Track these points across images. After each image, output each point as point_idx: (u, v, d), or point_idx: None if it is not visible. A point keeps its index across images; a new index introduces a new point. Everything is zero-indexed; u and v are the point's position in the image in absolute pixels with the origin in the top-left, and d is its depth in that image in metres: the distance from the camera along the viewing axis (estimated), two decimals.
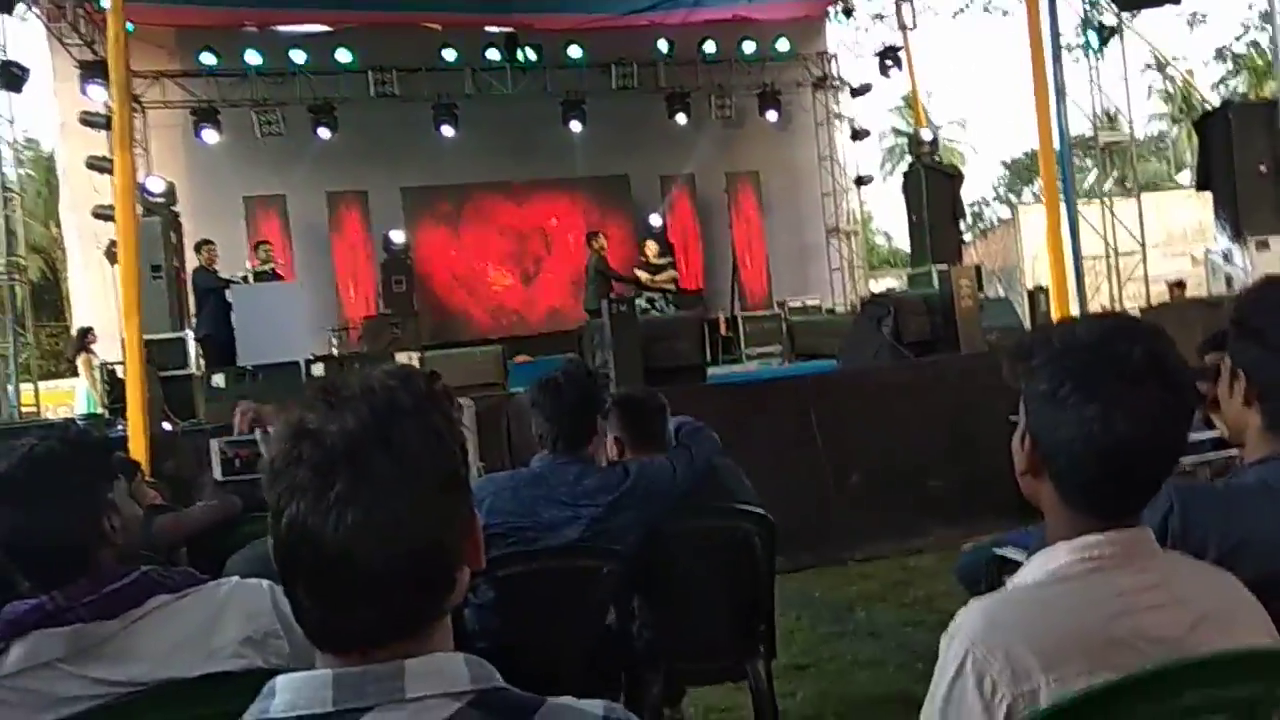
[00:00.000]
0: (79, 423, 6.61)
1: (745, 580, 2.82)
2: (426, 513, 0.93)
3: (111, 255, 9.97)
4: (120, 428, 6.92)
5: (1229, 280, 8.25)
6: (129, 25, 7.94)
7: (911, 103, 16.73)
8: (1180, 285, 11.82)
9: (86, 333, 10.82)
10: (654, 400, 3.08)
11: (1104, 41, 10.83)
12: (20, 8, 9.69)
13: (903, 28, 13.94)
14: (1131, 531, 1.22)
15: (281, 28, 13.35)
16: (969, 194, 34.61)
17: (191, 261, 9.66)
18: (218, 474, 1.82)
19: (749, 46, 14.42)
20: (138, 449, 6.30)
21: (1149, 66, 28.16)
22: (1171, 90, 30.03)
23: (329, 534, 0.89)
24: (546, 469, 2.69)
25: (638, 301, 11.04)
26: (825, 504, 6.00)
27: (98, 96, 11.15)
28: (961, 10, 15.68)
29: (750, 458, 5.63)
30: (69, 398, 14.52)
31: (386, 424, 0.93)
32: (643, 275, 11.37)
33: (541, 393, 2.72)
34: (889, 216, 38.51)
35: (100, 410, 9.01)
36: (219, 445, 1.83)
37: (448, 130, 13.42)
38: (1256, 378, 1.58)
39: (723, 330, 13.27)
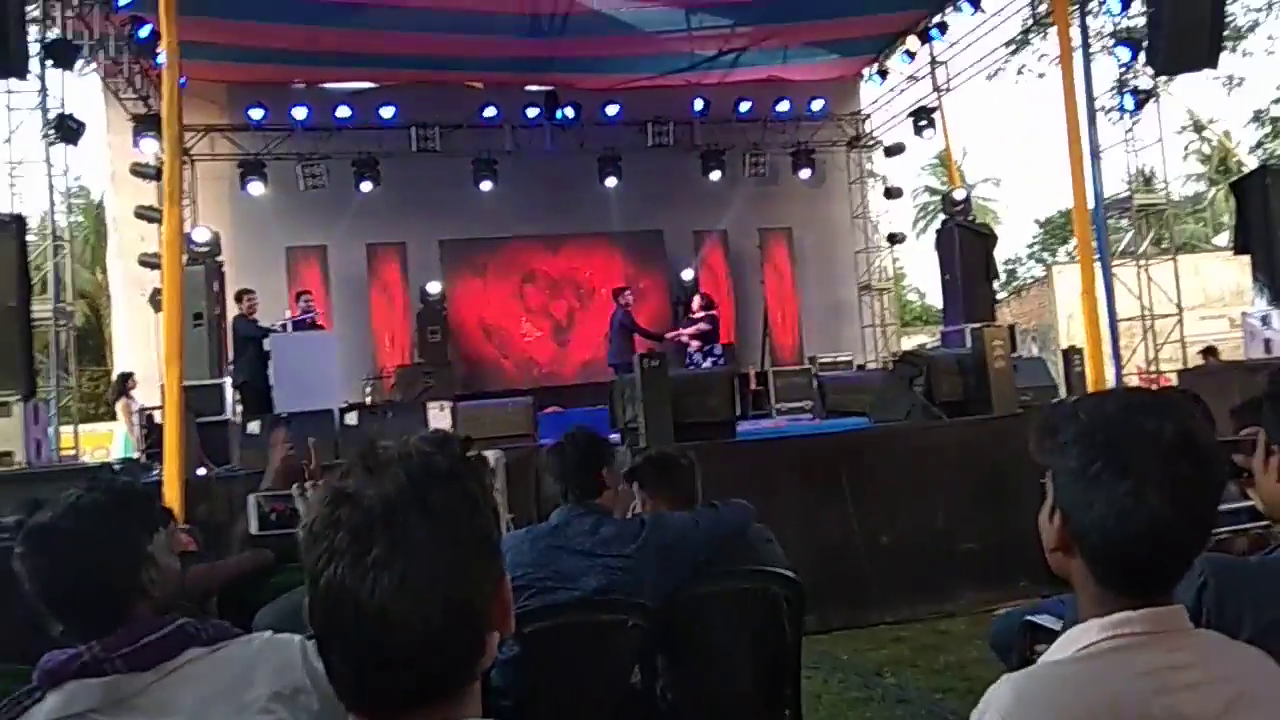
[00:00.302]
0: (119, 470, 6.71)
1: (772, 643, 2.80)
2: (461, 576, 0.95)
3: (156, 303, 10.20)
4: (156, 472, 7.02)
5: (1267, 344, 8.12)
6: (182, 80, 8.22)
7: (945, 162, 16.81)
8: (1212, 352, 11.57)
9: (127, 378, 11.01)
10: (684, 458, 3.12)
11: (1139, 105, 10.85)
12: (79, 63, 10.02)
13: (937, 89, 14.05)
14: (1166, 609, 1.20)
15: (329, 85, 13.73)
16: (1003, 252, 34.52)
17: (232, 309, 9.85)
18: (253, 528, 1.85)
19: (783, 106, 14.60)
20: (172, 494, 6.38)
21: (1185, 128, 28.16)
22: (1208, 151, 29.93)
23: (366, 596, 0.92)
24: (563, 519, 2.82)
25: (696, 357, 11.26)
26: (855, 564, 5.94)
27: (149, 149, 11.49)
28: (996, 74, 15.75)
29: (780, 516, 5.62)
30: (107, 440, 14.74)
31: (423, 488, 0.96)
32: (681, 333, 11.54)
33: (549, 456, 2.99)
34: (922, 274, 38.48)
35: (137, 454, 9.14)
36: (255, 499, 1.86)
37: (486, 185, 13.67)
38: None
39: (753, 385, 13.25)
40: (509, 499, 6.01)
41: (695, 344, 11.63)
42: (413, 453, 0.99)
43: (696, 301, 12.16)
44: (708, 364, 11.45)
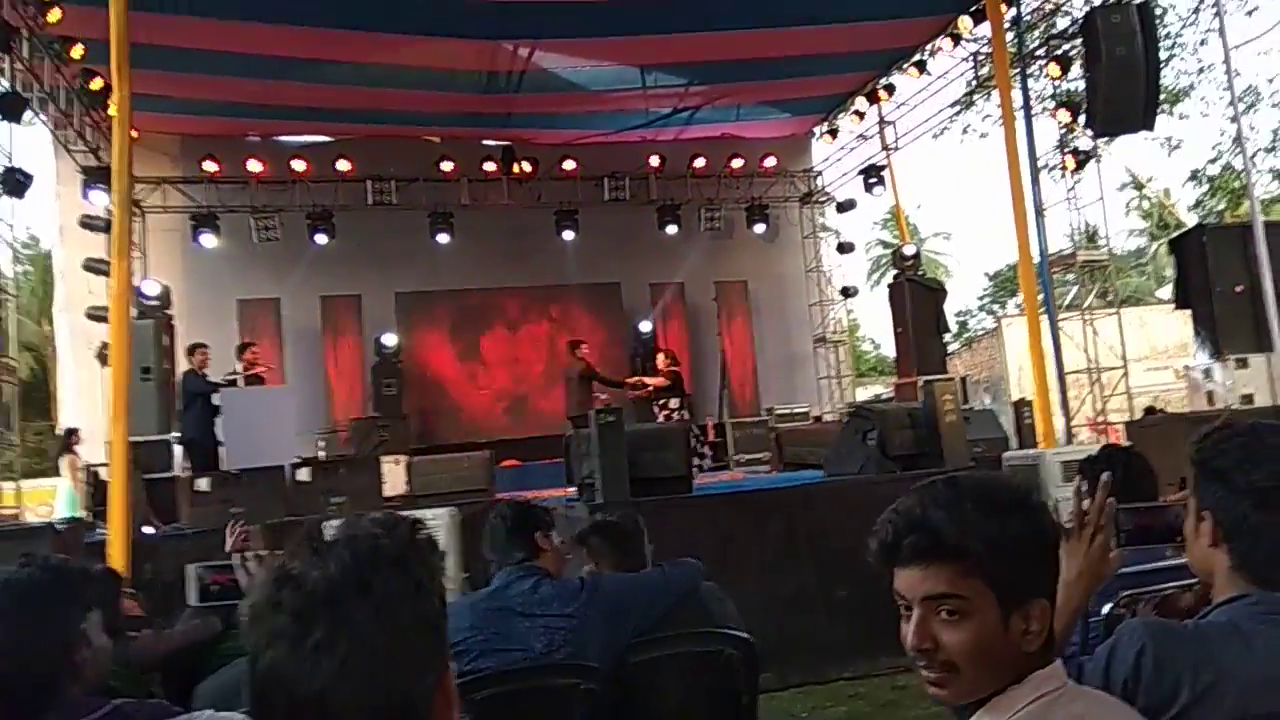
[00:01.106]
0: (61, 531, 6.52)
1: (726, 705, 2.78)
2: (402, 663, 0.94)
3: (103, 357, 10.02)
4: (100, 531, 6.84)
5: (1210, 396, 8.34)
6: (133, 133, 8.17)
7: (896, 217, 17.16)
8: (1151, 411, 11.81)
9: (72, 433, 10.78)
10: (631, 523, 3.12)
11: (1080, 165, 11.22)
12: (27, 115, 9.93)
13: (885, 148, 14.41)
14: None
15: (283, 137, 13.72)
16: (954, 305, 35.23)
17: (182, 363, 9.69)
18: (192, 599, 1.81)
19: (737, 162, 14.86)
20: (118, 553, 6.23)
21: (1126, 185, 29.09)
22: (1149, 207, 30.91)
23: (304, 680, 0.91)
24: (503, 581, 2.82)
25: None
26: (813, 619, 5.93)
27: (99, 201, 11.35)
28: (941, 133, 16.19)
29: (736, 570, 5.62)
30: (51, 496, 14.32)
31: (368, 572, 0.95)
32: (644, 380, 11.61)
33: (484, 529, 3.00)
34: (876, 325, 39.04)
35: (82, 513, 8.89)
36: (195, 571, 1.83)
37: (443, 238, 13.69)
38: (1223, 519, 1.61)
39: (710, 436, 13.29)
40: (463, 557, 5.93)
41: (660, 401, 11.71)
42: (360, 534, 0.99)
43: (661, 359, 12.24)
44: (662, 418, 11.52)
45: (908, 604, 1.30)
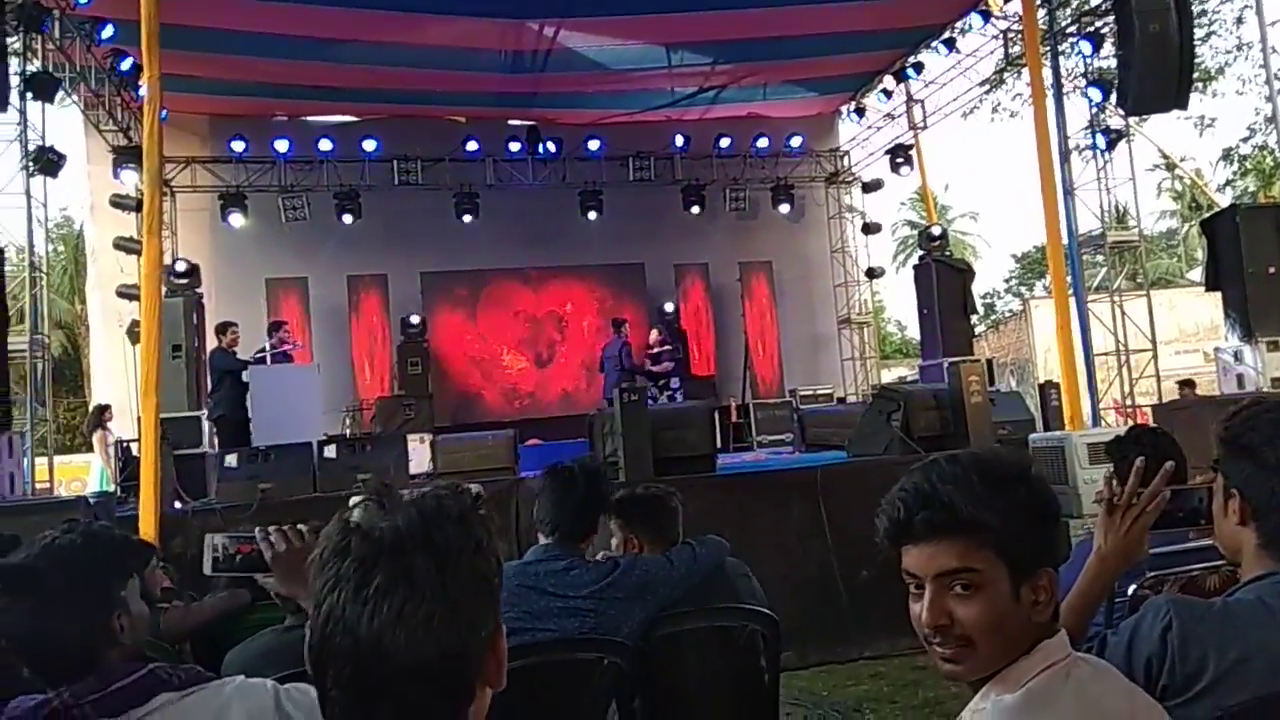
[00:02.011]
0: (95, 503, 6.64)
1: (749, 681, 2.80)
2: (458, 616, 0.98)
3: (133, 334, 10.15)
4: (131, 505, 6.96)
5: (1240, 379, 8.24)
6: (163, 113, 8.24)
7: (923, 197, 17.01)
8: (1189, 384, 11.80)
9: (104, 410, 10.93)
10: (671, 500, 3.09)
11: (1111, 145, 11.05)
12: (59, 95, 10.03)
13: (913, 127, 14.26)
14: None
15: (310, 117, 13.78)
16: (981, 286, 34.88)
17: (211, 341, 9.80)
18: (207, 569, 1.83)
19: (763, 142, 14.78)
20: (147, 528, 6.33)
21: (1157, 165, 28.65)
22: (1180, 189, 30.44)
23: (364, 624, 0.94)
24: (535, 557, 2.72)
25: (659, 399, 11.34)
26: (834, 599, 5.95)
27: (130, 180, 11.47)
28: (971, 112, 16.00)
29: (758, 550, 5.63)
30: (83, 473, 14.58)
31: (432, 526, 0.99)
32: (650, 367, 11.63)
33: (553, 479, 2.79)
34: (902, 306, 38.76)
35: (113, 488, 9.05)
36: (213, 539, 1.84)
37: (468, 218, 13.73)
38: (1251, 496, 1.61)
39: (734, 418, 13.30)
40: None
41: (661, 383, 11.73)
42: (426, 495, 1.03)
43: (654, 335, 12.20)
44: (665, 401, 11.52)
45: (919, 582, 1.30)
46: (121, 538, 1.75)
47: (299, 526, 1.89)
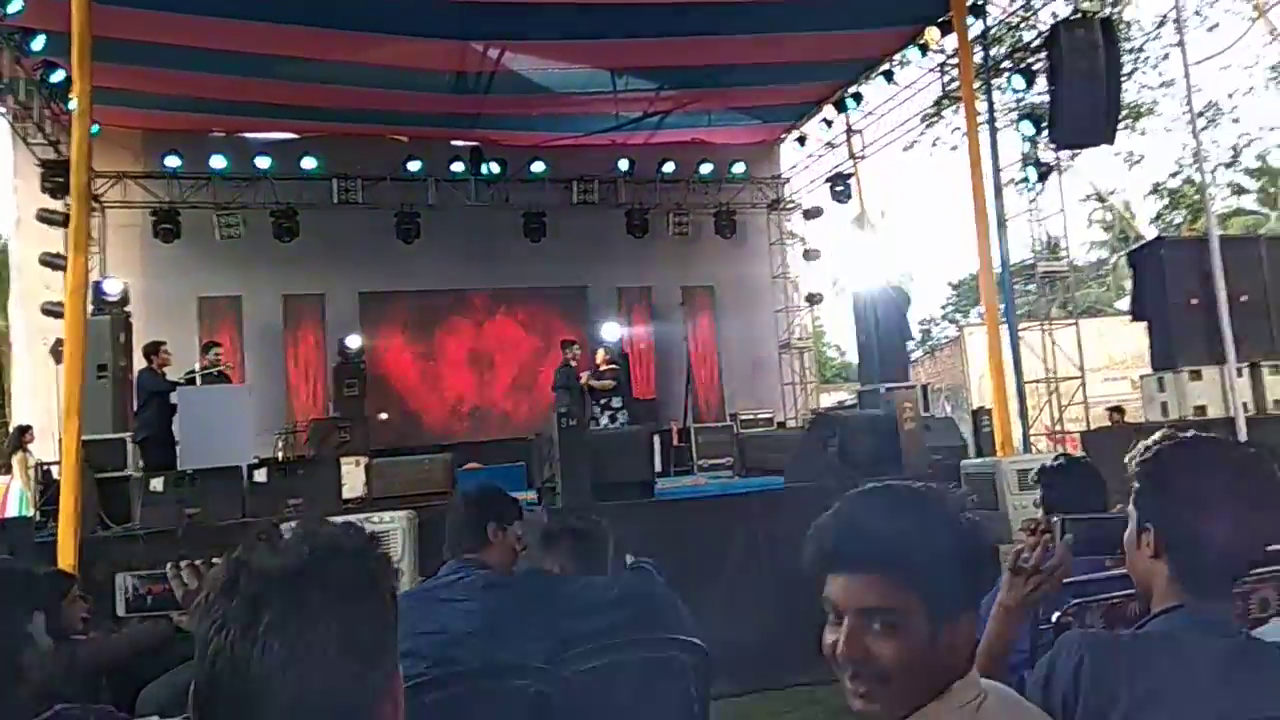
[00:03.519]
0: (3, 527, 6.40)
1: (679, 712, 2.78)
2: (352, 653, 0.94)
3: (58, 354, 9.83)
4: (51, 530, 6.72)
5: (1164, 407, 8.48)
6: (95, 127, 8.05)
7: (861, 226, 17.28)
8: (1119, 411, 12.15)
9: (24, 431, 10.57)
10: (597, 528, 3.11)
11: (1042, 178, 11.38)
12: None
13: (853, 156, 14.53)
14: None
15: (249, 134, 13.56)
16: (918, 313, 35.60)
17: (139, 361, 9.54)
18: (121, 609, 1.78)
19: (706, 168, 14.94)
20: (67, 554, 6.11)
21: (1088, 197, 29.55)
22: (1110, 220, 31.40)
23: (254, 663, 0.91)
24: (443, 573, 2.84)
25: (601, 419, 11.27)
26: (772, 625, 5.95)
27: (58, 195, 11.15)
28: (911, 146, 16.36)
29: (696, 575, 5.63)
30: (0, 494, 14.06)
31: (325, 561, 0.96)
32: (592, 382, 11.56)
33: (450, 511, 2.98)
34: (841, 330, 39.32)
35: (32, 511, 8.73)
36: (125, 579, 1.79)
37: (409, 238, 13.60)
38: (1164, 529, 1.64)
39: (675, 441, 13.32)
40: (419, 561, 5.90)
41: (603, 401, 11.66)
42: (319, 531, 1.00)
43: (600, 354, 12.20)
44: (607, 422, 11.47)
45: (838, 613, 1.30)
46: (24, 572, 1.68)
47: (213, 562, 1.84)
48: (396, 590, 1.03)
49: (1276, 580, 2.10)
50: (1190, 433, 1.69)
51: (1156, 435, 1.70)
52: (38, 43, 9.88)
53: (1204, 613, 1.57)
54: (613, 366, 11.90)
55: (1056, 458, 3.25)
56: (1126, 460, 1.72)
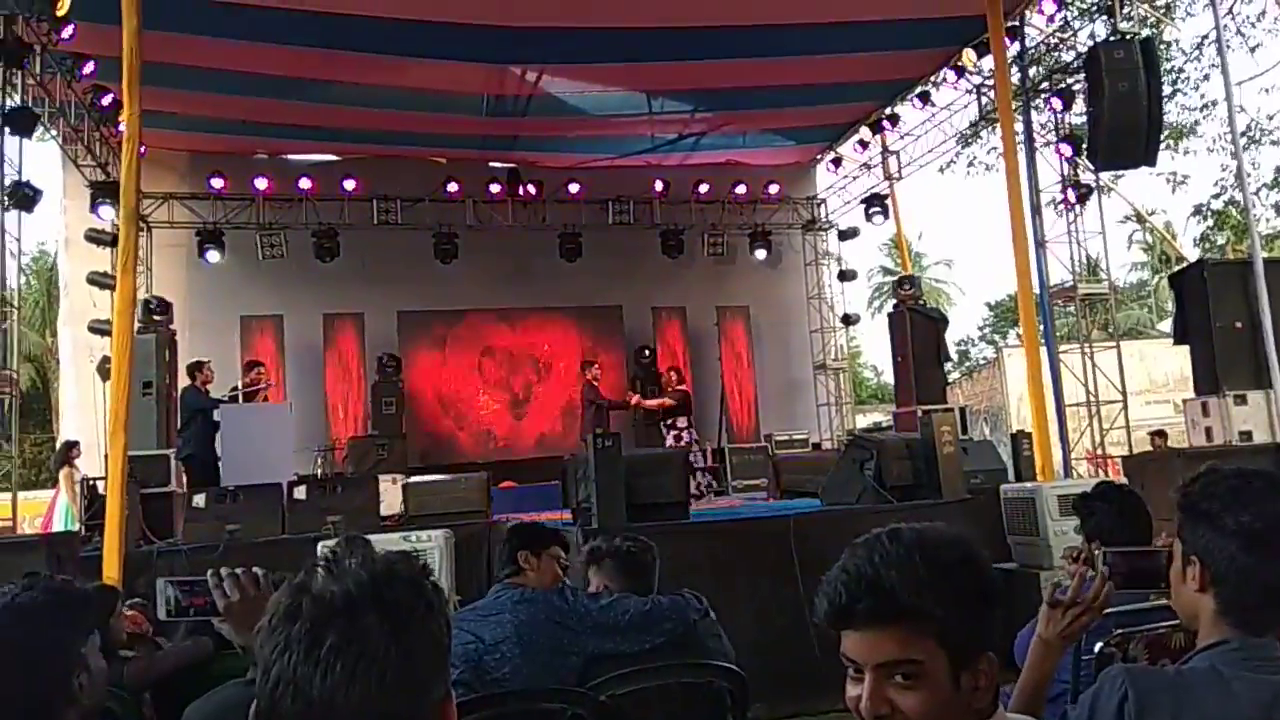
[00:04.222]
0: (55, 543, 6.52)
1: None
2: (410, 676, 0.98)
3: (104, 371, 10.04)
4: (96, 544, 6.84)
5: (1208, 433, 8.34)
6: (142, 149, 8.24)
7: (898, 245, 17.22)
8: (1161, 435, 11.96)
9: (72, 446, 10.77)
10: (647, 552, 3.17)
11: (1081, 200, 11.27)
12: (37, 129, 10.01)
13: (889, 177, 14.49)
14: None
15: (291, 156, 13.81)
16: (955, 333, 35.31)
17: (183, 379, 9.72)
18: (161, 614, 1.81)
19: (741, 189, 14.97)
20: (111, 568, 6.23)
21: (1128, 218, 29.19)
22: (1151, 241, 31.00)
23: (316, 685, 0.94)
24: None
25: (667, 439, 11.36)
26: (807, 650, 5.91)
27: (106, 215, 11.41)
28: (948, 166, 16.30)
29: (732, 599, 5.61)
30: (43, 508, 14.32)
31: (383, 587, 0.99)
32: (645, 403, 11.65)
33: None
34: (877, 351, 39.11)
35: (78, 526, 8.90)
36: (166, 584, 1.82)
37: (447, 258, 13.75)
38: (1210, 563, 1.63)
39: (710, 462, 13.29)
40: (456, 580, 5.93)
41: (668, 421, 11.74)
42: (377, 559, 1.04)
43: (671, 375, 12.27)
44: (672, 441, 11.57)
45: (858, 667, 1.28)
46: (83, 593, 1.73)
47: (255, 571, 1.87)
48: (450, 620, 1.06)
49: None
50: (1235, 465, 1.67)
51: (1202, 468, 1.69)
52: (88, 68, 10.14)
53: (1251, 648, 1.56)
54: (681, 388, 11.96)
55: (1098, 485, 3.21)
56: (1171, 493, 1.71)
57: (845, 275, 16.18)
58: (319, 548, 5.61)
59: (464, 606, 5.18)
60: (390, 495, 9.06)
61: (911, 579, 1.24)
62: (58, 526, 10.56)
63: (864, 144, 14.43)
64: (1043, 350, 9.69)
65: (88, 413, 11.76)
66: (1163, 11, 16.67)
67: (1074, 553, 3.16)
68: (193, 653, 3.32)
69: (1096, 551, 2.03)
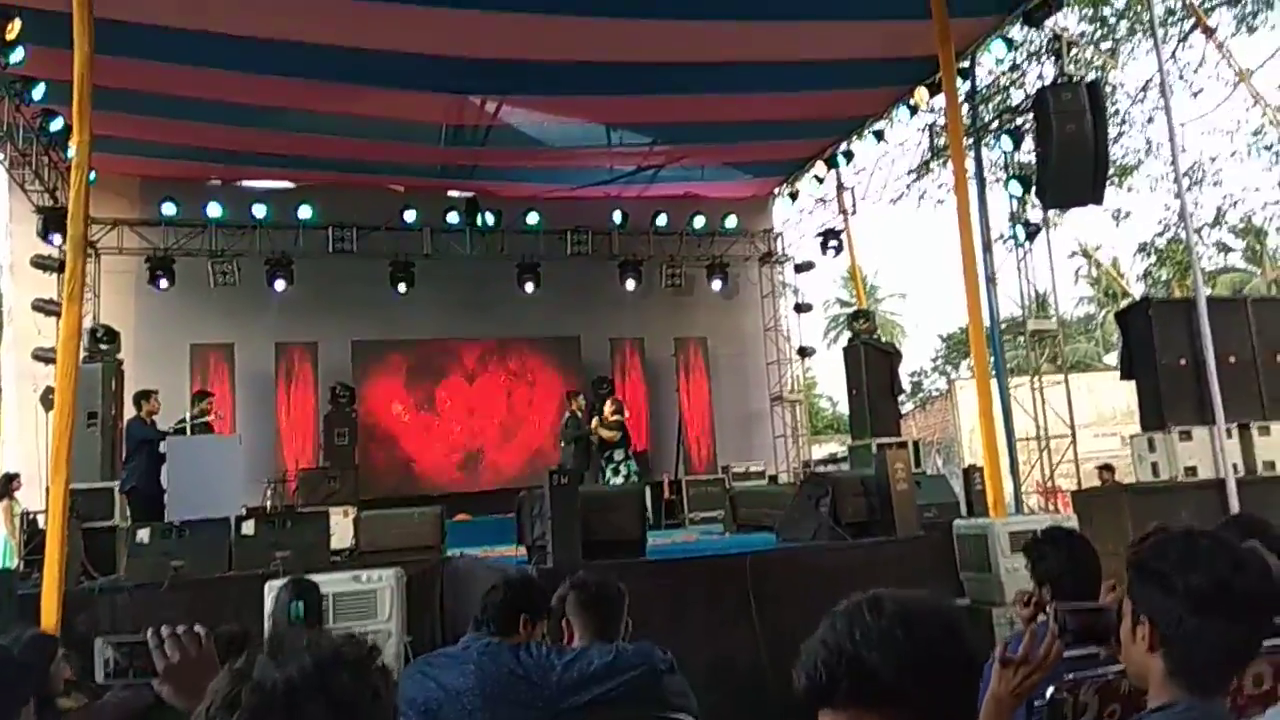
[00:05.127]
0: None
1: None
2: None
3: (47, 401, 9.78)
4: (35, 580, 6.64)
5: (1154, 468, 8.49)
6: (92, 175, 8.09)
7: (852, 279, 17.43)
8: (1109, 469, 12.17)
9: (12, 479, 10.45)
10: (614, 589, 3.12)
11: (1030, 236, 11.51)
12: None
13: (844, 212, 14.69)
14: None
15: (245, 182, 13.65)
16: (909, 365, 35.76)
17: (129, 409, 9.50)
18: (99, 677, 1.74)
19: (699, 221, 15.08)
20: (50, 607, 6.05)
21: (1075, 253, 29.87)
22: (1097, 275, 31.71)
23: None
24: (461, 643, 2.96)
25: (614, 478, 11.28)
26: (762, 689, 5.88)
27: (53, 241, 11.17)
28: (899, 198, 16.56)
29: (688, 637, 5.57)
30: None
31: (328, 673, 0.96)
32: (602, 432, 11.59)
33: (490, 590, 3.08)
34: (833, 381, 39.39)
35: (16, 561, 8.64)
36: (105, 647, 1.75)
37: (403, 287, 13.66)
38: (1160, 623, 1.65)
39: (667, 494, 13.28)
40: (408, 619, 5.84)
41: (606, 454, 11.65)
42: (323, 642, 1.00)
43: (608, 408, 12.21)
44: (611, 474, 11.50)
45: None
46: (18, 666, 1.66)
47: (197, 630, 1.81)
48: (398, 706, 1.03)
49: (1271, 656, 2.09)
50: (1185, 527, 1.70)
51: (1151, 526, 1.71)
52: (38, 91, 9.95)
53: (1200, 711, 1.57)
54: (618, 418, 11.91)
55: (1048, 529, 3.25)
56: (1123, 548, 1.73)
57: (801, 308, 16.34)
58: (266, 588, 5.50)
59: (415, 647, 5.10)
60: (342, 528, 8.92)
61: (894, 660, 1.19)
62: None
63: (820, 179, 14.63)
64: (993, 383, 9.82)
65: (29, 442, 11.42)
66: (1108, 55, 17.18)
67: (1025, 596, 3.19)
68: (132, 704, 3.21)
69: (1048, 606, 2.03)
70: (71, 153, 8.00)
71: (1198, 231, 19.57)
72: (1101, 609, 1.86)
